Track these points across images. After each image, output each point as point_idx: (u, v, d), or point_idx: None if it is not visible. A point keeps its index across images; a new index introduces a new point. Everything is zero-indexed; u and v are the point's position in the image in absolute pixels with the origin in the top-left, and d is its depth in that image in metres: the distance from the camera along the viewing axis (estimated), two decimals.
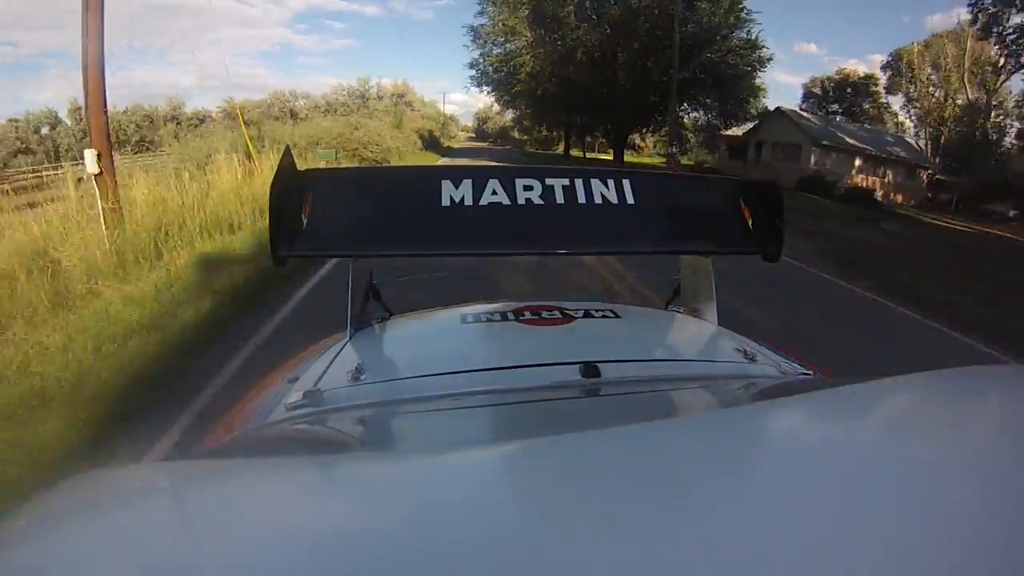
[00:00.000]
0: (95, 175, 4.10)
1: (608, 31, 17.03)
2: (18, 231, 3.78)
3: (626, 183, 0.86)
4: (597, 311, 1.07)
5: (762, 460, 0.35)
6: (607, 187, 0.86)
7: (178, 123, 36.16)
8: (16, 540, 0.33)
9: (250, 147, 7.86)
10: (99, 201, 4.13)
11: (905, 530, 0.27)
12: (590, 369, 0.76)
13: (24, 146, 29.58)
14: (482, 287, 3.58)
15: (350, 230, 0.83)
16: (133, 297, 3.27)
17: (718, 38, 16.67)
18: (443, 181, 0.83)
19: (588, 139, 26.48)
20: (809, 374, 0.86)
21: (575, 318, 1.03)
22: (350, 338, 0.98)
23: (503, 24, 18.16)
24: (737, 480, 0.32)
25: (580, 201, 0.84)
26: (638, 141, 21.74)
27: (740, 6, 16.96)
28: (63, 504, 0.37)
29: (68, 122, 31.65)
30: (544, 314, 1.03)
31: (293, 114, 35.68)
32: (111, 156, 4.38)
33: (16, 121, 31.64)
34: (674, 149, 14.81)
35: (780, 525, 0.28)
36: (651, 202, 0.88)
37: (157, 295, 3.34)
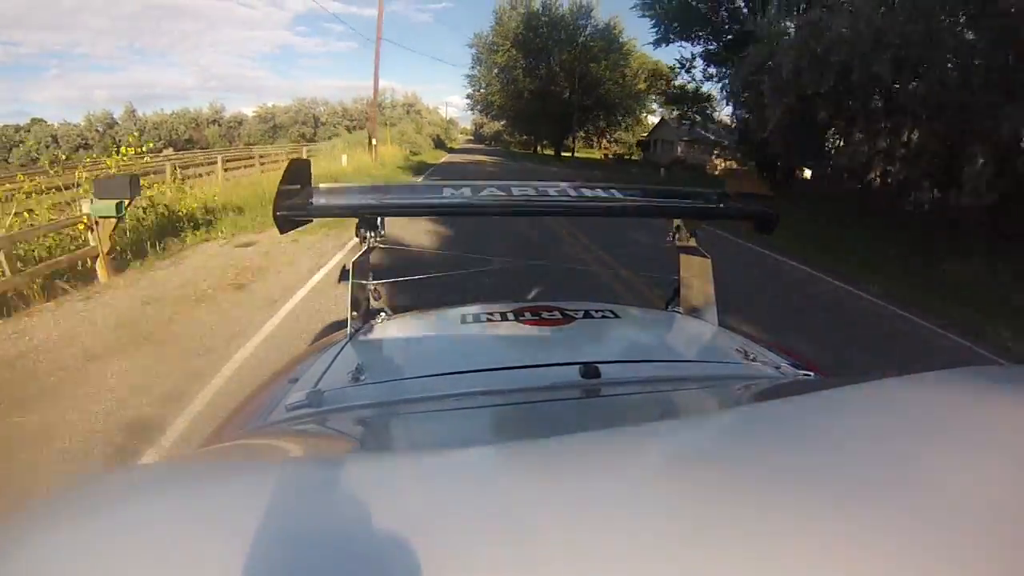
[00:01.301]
0: (373, 146, 17.19)
1: (541, 81, 29.95)
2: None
3: (615, 191, 0.89)
4: (597, 311, 1.06)
5: (763, 461, 0.34)
6: (599, 190, 0.89)
7: (219, 124, 39.44)
8: (16, 541, 0.33)
9: (385, 139, 20.84)
10: (373, 155, 17.17)
11: (906, 530, 0.27)
12: (590, 370, 0.75)
13: (84, 142, 33.08)
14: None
15: (352, 202, 0.90)
16: (388, 174, 16.20)
17: (601, 84, 29.60)
18: (445, 188, 0.84)
19: (545, 142, 39.44)
20: (809, 374, 0.85)
21: (575, 319, 1.02)
22: (350, 338, 0.98)
23: (484, 77, 31.62)
24: (737, 481, 0.32)
25: (572, 194, 0.89)
26: (568, 143, 34.64)
27: (620, 64, 29.90)
28: (63, 505, 0.37)
29: (120, 123, 34.99)
30: (544, 314, 1.02)
31: (316, 119, 40.89)
32: (376, 138, 17.58)
33: (33, 120, 33.94)
34: (574, 146, 27.93)
35: (781, 525, 0.27)
36: (640, 197, 0.94)
37: (397, 174, 16.28)
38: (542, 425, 0.67)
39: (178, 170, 8.47)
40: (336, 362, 0.88)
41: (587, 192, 0.89)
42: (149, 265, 5.03)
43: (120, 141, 32.61)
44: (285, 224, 0.85)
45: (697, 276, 1.14)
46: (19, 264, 4.04)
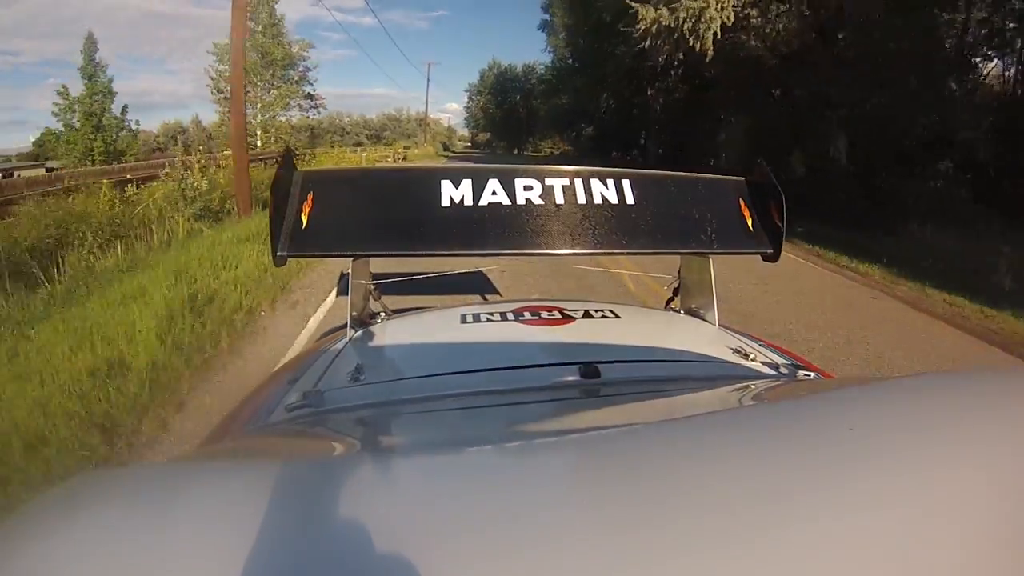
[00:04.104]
0: (424, 144, 39.82)
1: (505, 111, 52.70)
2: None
3: (625, 183, 0.84)
4: (596, 311, 1.06)
5: (764, 462, 0.34)
6: (606, 186, 0.83)
7: (268, 132, 53.68)
8: (17, 541, 0.33)
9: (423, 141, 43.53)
10: (423, 149, 39.78)
11: (908, 532, 0.27)
12: (590, 370, 0.75)
13: (157, 145, 34.97)
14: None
15: (349, 231, 0.81)
16: (433, 155, 38.53)
17: (537, 112, 52.25)
18: (443, 181, 0.80)
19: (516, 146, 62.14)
20: (810, 374, 0.83)
21: (575, 318, 1.01)
22: (350, 339, 0.98)
23: (475, 107, 54.94)
24: (737, 482, 0.31)
25: (580, 201, 0.82)
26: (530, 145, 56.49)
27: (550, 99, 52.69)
28: (62, 505, 0.37)
29: (189, 130, 37.40)
30: (544, 314, 1.02)
31: (343, 128, 45.65)
32: (425, 141, 40.49)
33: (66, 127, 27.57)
34: (528, 146, 51.01)
35: (782, 526, 0.27)
36: (649, 202, 0.85)
37: (437, 156, 38.59)
38: (542, 425, 0.67)
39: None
40: (336, 363, 0.88)
41: (598, 185, 0.85)
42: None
43: (190, 145, 46.71)
44: (280, 262, 0.79)
45: (697, 276, 1.14)
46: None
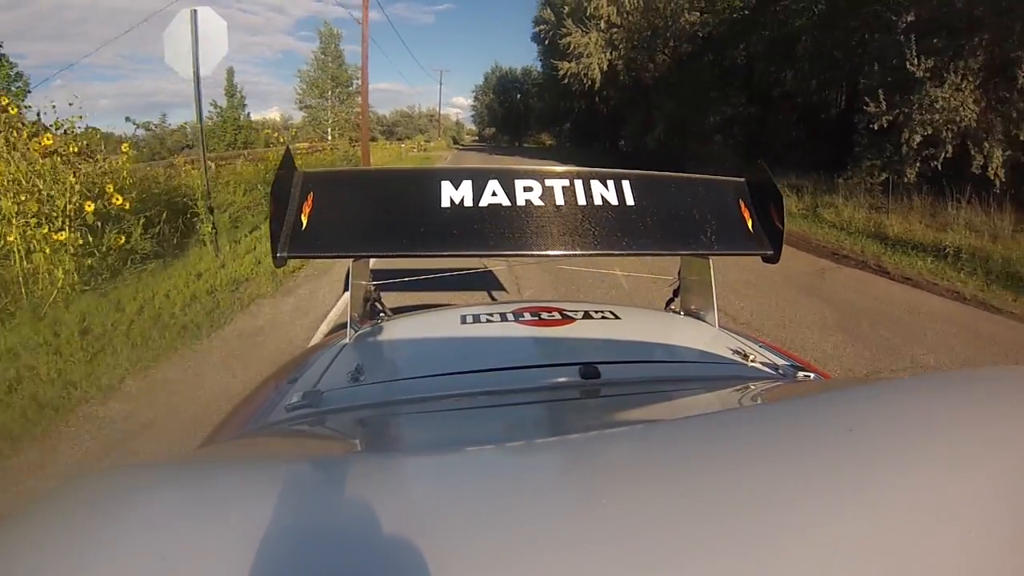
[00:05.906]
0: (437, 139, 48.32)
1: (507, 108, 61.02)
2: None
3: (625, 184, 0.84)
4: (596, 312, 1.07)
5: (762, 462, 0.34)
6: (606, 188, 0.84)
7: (288, 130, 58.64)
8: (16, 542, 0.32)
9: (435, 136, 51.94)
10: (436, 143, 48.17)
11: (907, 532, 0.27)
12: (589, 370, 0.75)
13: (187, 143, 31.52)
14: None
15: (349, 232, 0.81)
16: (444, 147, 46.89)
17: (535, 109, 60.55)
18: (443, 182, 0.80)
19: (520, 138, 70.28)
20: (809, 375, 0.84)
21: (574, 319, 1.02)
22: (350, 339, 0.98)
23: (480, 104, 63.65)
24: (736, 483, 0.31)
25: (580, 203, 0.82)
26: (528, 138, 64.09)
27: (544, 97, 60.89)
28: (62, 506, 0.37)
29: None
30: (543, 315, 1.03)
31: (357, 126, 57.44)
32: (439, 135, 49.09)
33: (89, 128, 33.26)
34: (528, 140, 59.38)
35: (781, 528, 0.27)
36: (649, 203, 0.85)
37: (450, 149, 47.00)
38: (541, 425, 0.68)
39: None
40: (335, 363, 0.89)
41: (598, 187, 0.86)
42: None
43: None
44: (280, 263, 0.78)
45: (697, 277, 1.16)
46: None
